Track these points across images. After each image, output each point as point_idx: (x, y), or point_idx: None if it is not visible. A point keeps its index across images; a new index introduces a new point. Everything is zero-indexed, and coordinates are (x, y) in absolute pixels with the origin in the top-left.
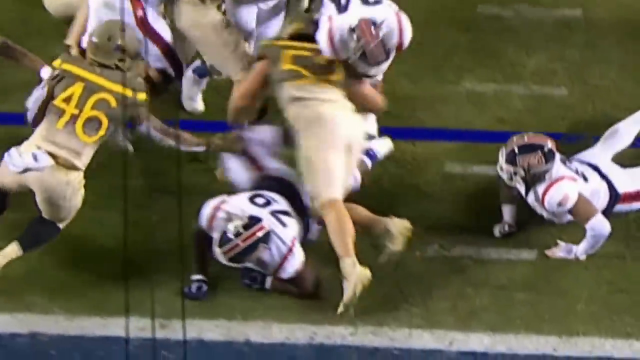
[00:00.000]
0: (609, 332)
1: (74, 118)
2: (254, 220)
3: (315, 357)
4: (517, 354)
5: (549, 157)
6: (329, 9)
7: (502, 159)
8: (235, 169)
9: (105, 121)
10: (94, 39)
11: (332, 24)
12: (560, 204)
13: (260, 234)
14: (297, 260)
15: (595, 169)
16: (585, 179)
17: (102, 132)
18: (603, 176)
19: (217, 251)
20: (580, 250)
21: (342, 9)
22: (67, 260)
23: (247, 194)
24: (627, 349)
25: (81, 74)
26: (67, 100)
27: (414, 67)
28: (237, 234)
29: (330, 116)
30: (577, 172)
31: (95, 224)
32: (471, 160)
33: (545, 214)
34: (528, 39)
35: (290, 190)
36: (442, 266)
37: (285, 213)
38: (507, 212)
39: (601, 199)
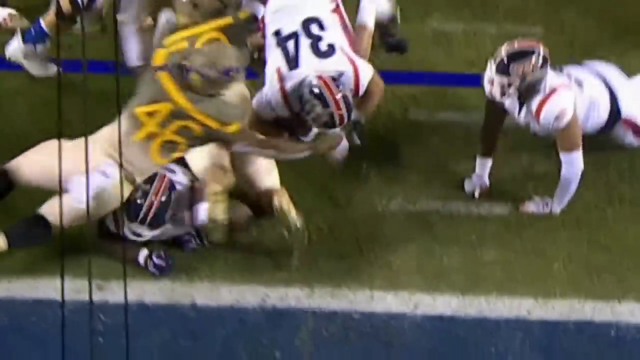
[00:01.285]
0: (589, 294)
1: (151, 136)
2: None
3: (267, 321)
4: (488, 317)
5: (543, 62)
6: (273, 52)
7: (491, 71)
8: None
9: (184, 147)
10: (209, 73)
11: (284, 83)
12: (557, 118)
13: (166, 181)
14: (205, 200)
15: (603, 80)
16: (579, 85)
17: (177, 155)
18: (609, 88)
19: (134, 225)
20: (554, 202)
21: (291, 62)
22: None
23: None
24: (608, 312)
25: (174, 95)
26: (151, 115)
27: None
28: (145, 194)
29: None
30: (569, 77)
31: None
32: (438, 106)
33: (538, 130)
34: None
35: None
36: (407, 222)
37: None
38: (481, 165)
39: (600, 113)
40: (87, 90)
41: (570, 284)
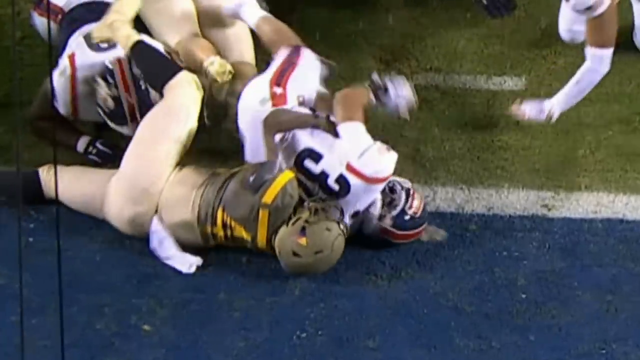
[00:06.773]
0: (620, 187)
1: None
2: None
3: None
4: (499, 214)
5: None
6: None
7: None
8: None
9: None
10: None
11: None
12: (590, 8)
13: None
14: None
15: None
16: None
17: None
18: None
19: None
20: (558, 103)
21: None
22: None
23: None
24: None
25: (260, 233)
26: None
27: None
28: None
29: None
30: None
31: None
32: None
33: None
34: None
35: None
36: None
37: None
38: None
39: None
40: None
41: (598, 174)
